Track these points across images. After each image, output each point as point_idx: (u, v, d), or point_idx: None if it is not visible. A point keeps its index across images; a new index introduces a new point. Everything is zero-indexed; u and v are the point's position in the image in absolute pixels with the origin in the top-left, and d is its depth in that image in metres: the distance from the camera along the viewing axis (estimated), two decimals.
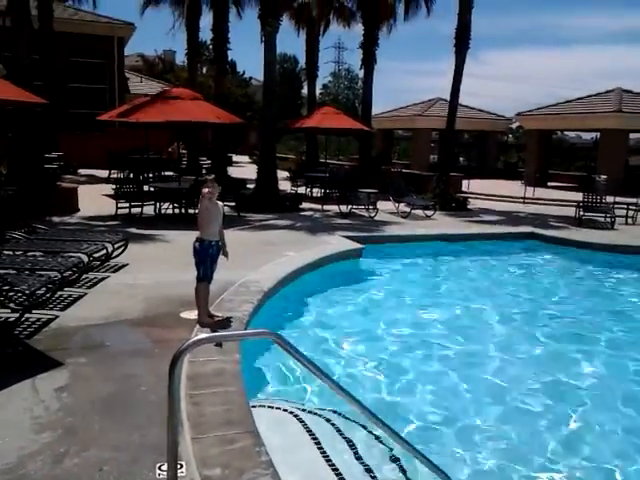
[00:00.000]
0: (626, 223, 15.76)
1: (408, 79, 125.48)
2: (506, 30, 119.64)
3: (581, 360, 6.71)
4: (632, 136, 31.98)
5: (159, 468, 3.36)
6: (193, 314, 6.13)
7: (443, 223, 14.77)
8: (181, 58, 39.04)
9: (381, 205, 15.53)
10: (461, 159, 37.75)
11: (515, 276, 10.98)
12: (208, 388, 4.45)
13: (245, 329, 5.75)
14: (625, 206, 16.16)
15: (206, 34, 49.18)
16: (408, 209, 15.64)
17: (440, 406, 5.41)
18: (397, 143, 42.10)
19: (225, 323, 5.95)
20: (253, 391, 5.06)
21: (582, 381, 6.16)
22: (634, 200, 16.26)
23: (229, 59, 23.45)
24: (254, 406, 4.50)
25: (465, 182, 22.50)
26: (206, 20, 39.80)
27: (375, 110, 26.57)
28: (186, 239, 10.91)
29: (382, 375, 6.02)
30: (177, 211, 13.05)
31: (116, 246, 8.15)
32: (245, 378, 4.72)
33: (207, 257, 5.90)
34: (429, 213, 15.78)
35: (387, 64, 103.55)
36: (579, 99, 28.14)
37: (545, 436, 4.99)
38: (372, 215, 14.92)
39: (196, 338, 3.07)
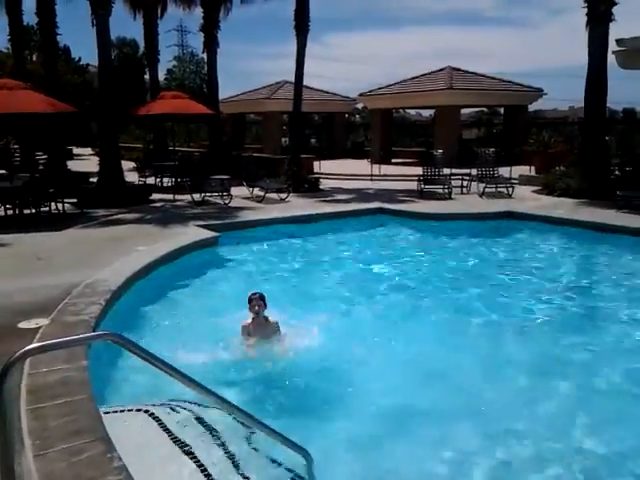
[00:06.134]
0: (462, 192, 17.15)
1: (259, 62, 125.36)
2: (344, 12, 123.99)
3: None
4: (464, 112, 34.69)
5: None
6: (33, 323, 5.70)
7: (297, 205, 15.03)
8: (4, 44, 35.24)
9: (235, 191, 15.43)
10: (312, 141, 38.52)
11: (368, 248, 11.65)
12: (52, 400, 4.17)
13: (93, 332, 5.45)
14: (460, 177, 17.56)
15: (32, 18, 45.03)
16: (262, 193, 15.72)
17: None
18: (250, 127, 41.94)
19: None
20: (104, 397, 4.84)
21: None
22: (467, 171, 17.73)
23: (61, 45, 21.75)
24: (107, 412, 4.30)
25: (317, 163, 23.05)
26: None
27: (226, 94, 26.23)
28: (22, 242, 10.07)
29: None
30: (10, 212, 12.02)
31: None
32: (94, 385, 4.49)
33: None
34: (283, 196, 15.97)
35: (237, 47, 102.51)
36: (414, 78, 29.67)
37: None
38: (226, 202, 14.79)
39: (24, 349, 2.83)
